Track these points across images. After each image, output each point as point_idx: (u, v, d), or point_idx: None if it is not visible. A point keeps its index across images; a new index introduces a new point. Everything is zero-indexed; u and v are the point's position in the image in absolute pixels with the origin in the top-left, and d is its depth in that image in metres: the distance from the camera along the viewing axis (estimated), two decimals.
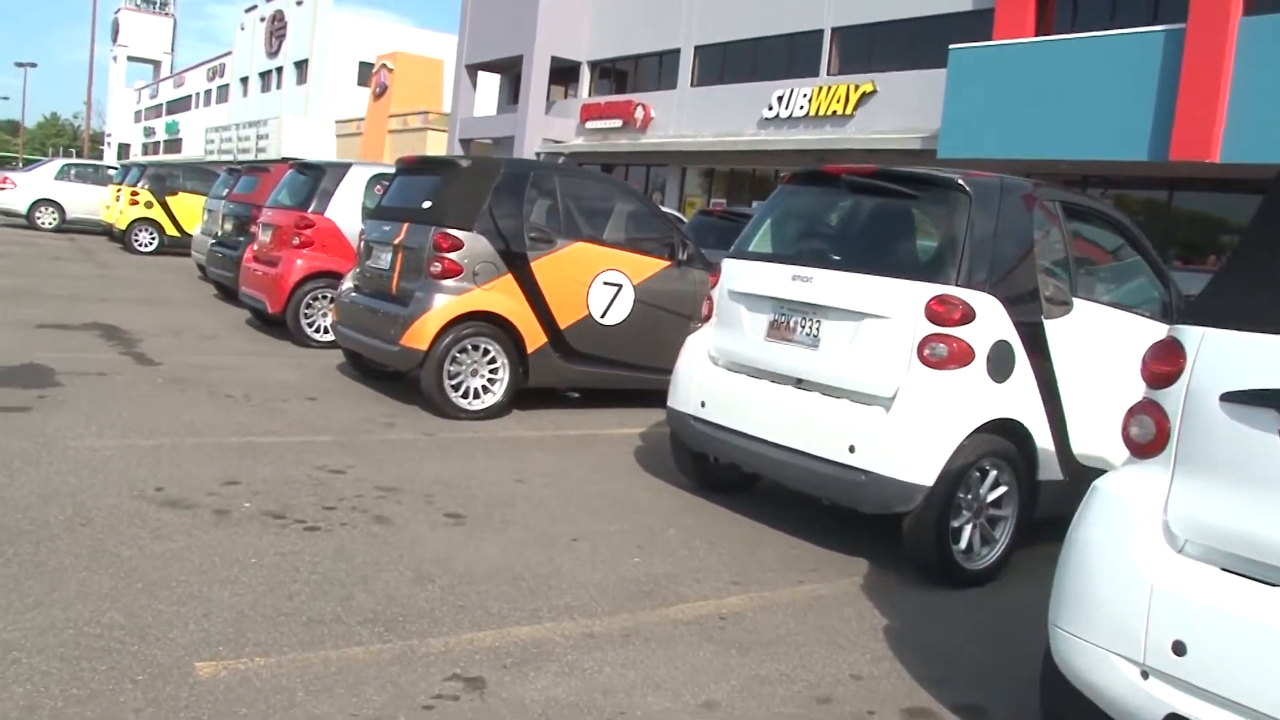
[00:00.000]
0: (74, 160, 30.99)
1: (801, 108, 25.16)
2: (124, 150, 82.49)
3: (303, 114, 52.05)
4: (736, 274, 5.49)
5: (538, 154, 30.46)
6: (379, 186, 10.15)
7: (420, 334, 6.94)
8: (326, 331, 9.79)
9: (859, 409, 4.71)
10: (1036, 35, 19.45)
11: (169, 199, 19.63)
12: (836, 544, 5.04)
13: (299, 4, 55.05)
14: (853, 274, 4.85)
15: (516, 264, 7.23)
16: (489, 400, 7.22)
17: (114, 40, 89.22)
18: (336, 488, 5.08)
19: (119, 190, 20.23)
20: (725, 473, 5.79)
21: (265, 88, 59.81)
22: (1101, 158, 17.57)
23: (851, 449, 4.65)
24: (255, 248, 10.63)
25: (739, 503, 5.63)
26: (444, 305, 6.98)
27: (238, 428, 6.18)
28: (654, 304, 7.88)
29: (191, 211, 19.00)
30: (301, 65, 54.72)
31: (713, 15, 28.33)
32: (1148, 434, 2.79)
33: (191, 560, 3.91)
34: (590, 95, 33.43)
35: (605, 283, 7.61)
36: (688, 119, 28.94)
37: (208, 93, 70.51)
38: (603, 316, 7.62)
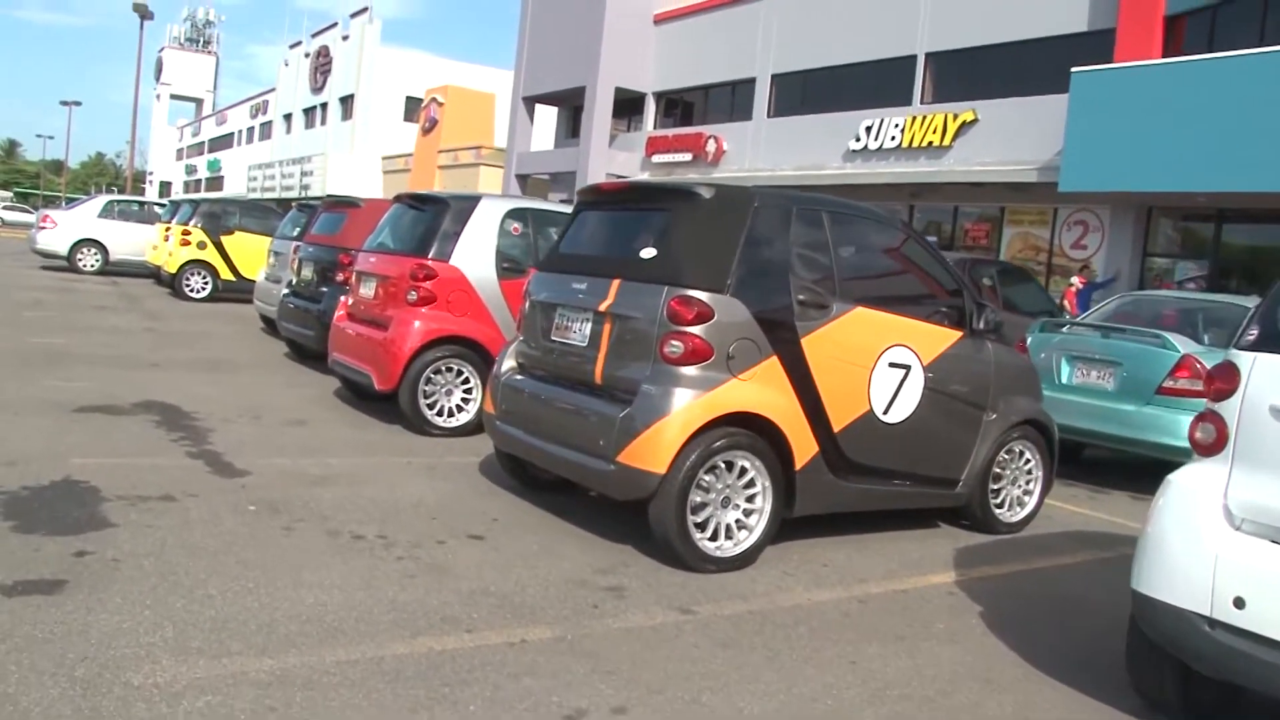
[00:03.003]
0: (119, 196, 28.87)
1: (893, 138, 23.08)
2: (166, 188, 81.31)
3: (348, 150, 50.29)
4: None
5: None
6: (515, 226, 7.90)
7: (654, 450, 4.56)
8: (452, 414, 7.48)
9: None
10: (1164, 56, 17.21)
11: (224, 239, 17.41)
12: None
13: (344, 39, 53.52)
14: None
15: (783, 341, 4.87)
16: (746, 541, 4.81)
17: (157, 79, 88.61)
18: None
19: (168, 229, 18.03)
20: (1203, 688, 3.43)
21: (309, 124, 58.22)
22: (1252, 189, 15.11)
23: None
24: (351, 304, 8.34)
25: None
26: (690, 405, 4.59)
27: (396, 615, 3.81)
28: (945, 391, 5.51)
29: (249, 253, 16.88)
30: (347, 101, 53.07)
31: (791, 43, 26.23)
32: None
33: None
34: (655, 128, 31.32)
35: (891, 364, 5.24)
36: (764, 152, 26.76)
37: (250, 130, 69.16)
38: (886, 412, 5.25)
